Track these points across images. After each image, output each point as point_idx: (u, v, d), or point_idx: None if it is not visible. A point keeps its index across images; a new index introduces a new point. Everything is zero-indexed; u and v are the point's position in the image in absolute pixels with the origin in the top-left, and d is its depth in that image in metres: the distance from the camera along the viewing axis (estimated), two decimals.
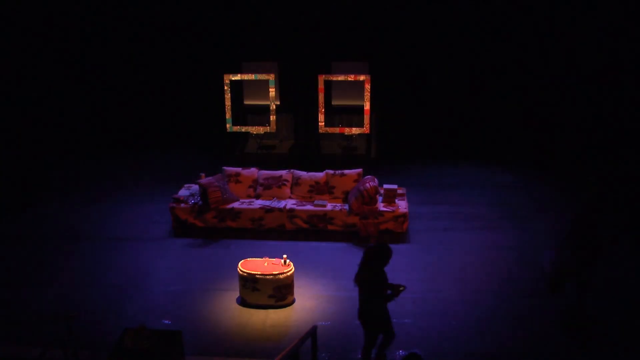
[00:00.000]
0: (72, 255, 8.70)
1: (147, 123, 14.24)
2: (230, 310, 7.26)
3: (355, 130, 12.74)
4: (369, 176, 9.39)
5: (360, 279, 5.76)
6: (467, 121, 13.56)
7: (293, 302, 7.40)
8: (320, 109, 12.64)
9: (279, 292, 7.23)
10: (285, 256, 7.42)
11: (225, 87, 12.74)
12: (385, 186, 9.45)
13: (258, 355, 6.40)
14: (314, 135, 13.29)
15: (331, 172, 9.79)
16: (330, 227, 9.33)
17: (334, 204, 9.48)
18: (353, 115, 13.20)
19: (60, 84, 13.84)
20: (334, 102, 13.10)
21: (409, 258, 8.47)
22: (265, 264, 7.34)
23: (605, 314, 7.09)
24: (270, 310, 7.22)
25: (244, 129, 13.10)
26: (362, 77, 12.35)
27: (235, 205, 9.46)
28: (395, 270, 8.09)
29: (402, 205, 9.37)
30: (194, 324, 6.94)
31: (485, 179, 11.66)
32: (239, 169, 9.98)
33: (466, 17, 12.88)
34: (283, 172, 9.91)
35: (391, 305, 7.26)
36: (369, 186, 9.05)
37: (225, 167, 10.05)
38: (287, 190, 9.75)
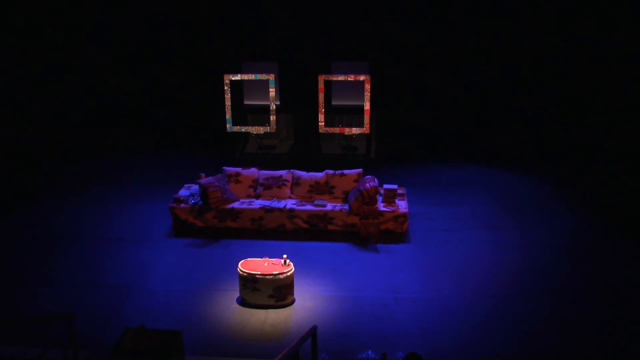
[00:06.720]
0: (71, 256, 8.69)
1: (147, 123, 14.25)
2: (230, 310, 7.25)
3: (355, 130, 12.74)
4: (369, 176, 9.39)
5: None
6: (467, 121, 13.55)
7: (293, 302, 7.40)
8: (320, 109, 12.64)
9: (279, 292, 7.23)
10: (285, 256, 7.42)
11: (225, 87, 12.74)
12: (385, 186, 9.45)
13: (258, 355, 6.39)
14: (314, 135, 13.29)
15: (331, 172, 9.78)
16: (330, 227, 9.33)
17: (334, 204, 9.48)
18: (353, 115, 13.20)
19: (60, 83, 13.83)
20: (334, 102, 13.10)
21: (409, 258, 8.47)
22: (265, 264, 7.34)
23: (606, 314, 7.11)
24: (270, 310, 7.21)
25: (244, 129, 13.10)
26: (362, 77, 12.35)
27: (235, 205, 9.46)
28: (396, 270, 8.17)
29: (402, 205, 9.37)
30: (194, 324, 6.94)
31: (486, 179, 11.65)
32: (239, 169, 9.98)
33: (466, 17, 12.88)
34: (283, 172, 9.91)
35: (391, 306, 7.32)
36: (369, 186, 9.04)
37: (225, 167, 10.05)
38: (287, 190, 9.75)
